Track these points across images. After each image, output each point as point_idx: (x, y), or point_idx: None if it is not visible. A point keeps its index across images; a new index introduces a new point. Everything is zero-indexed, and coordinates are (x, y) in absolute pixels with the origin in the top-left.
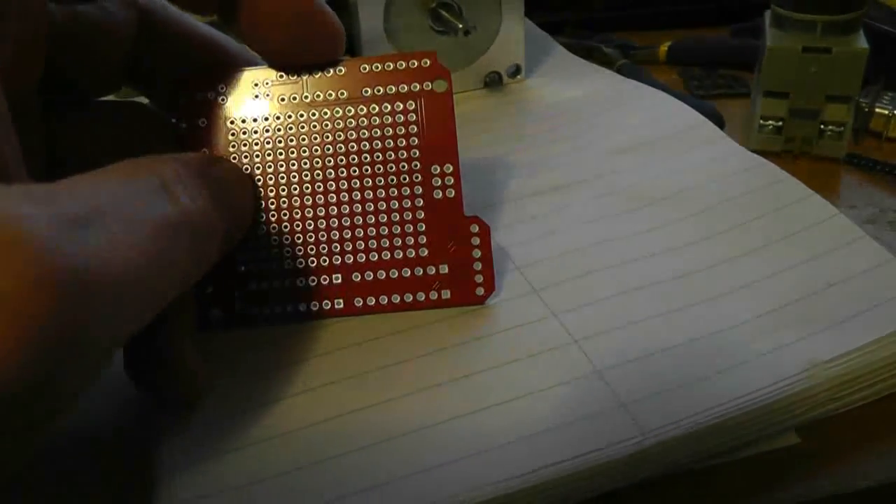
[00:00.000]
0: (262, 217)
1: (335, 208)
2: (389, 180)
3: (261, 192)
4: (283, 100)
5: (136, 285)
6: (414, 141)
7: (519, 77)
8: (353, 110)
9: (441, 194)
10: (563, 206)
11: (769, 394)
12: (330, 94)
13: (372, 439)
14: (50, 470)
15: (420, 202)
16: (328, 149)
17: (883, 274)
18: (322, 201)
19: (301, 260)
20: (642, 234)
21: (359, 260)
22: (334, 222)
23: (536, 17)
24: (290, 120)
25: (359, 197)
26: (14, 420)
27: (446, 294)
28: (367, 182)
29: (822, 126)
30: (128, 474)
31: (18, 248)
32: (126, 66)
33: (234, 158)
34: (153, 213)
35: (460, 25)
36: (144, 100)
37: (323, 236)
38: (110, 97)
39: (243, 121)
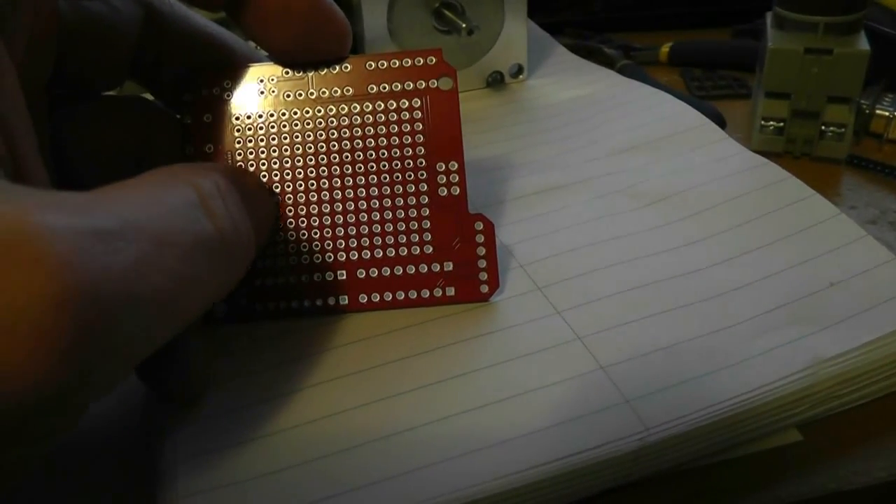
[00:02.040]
0: None
1: (340, 205)
2: (395, 177)
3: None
4: (288, 97)
5: (162, 306)
6: (419, 138)
7: (521, 77)
8: (358, 107)
9: (446, 192)
10: (566, 205)
11: (771, 391)
12: (335, 92)
13: (376, 435)
14: (52, 466)
15: (425, 199)
16: (333, 146)
17: (884, 273)
18: (327, 198)
19: (306, 256)
20: (645, 233)
21: (363, 257)
22: (339, 219)
23: (538, 17)
24: (295, 117)
25: (364, 194)
26: (28, 431)
27: (451, 291)
28: (373, 179)
29: (823, 127)
30: (129, 470)
31: (41, 262)
32: (131, 61)
33: (240, 155)
34: (187, 231)
35: (463, 25)
36: (149, 95)
37: (328, 233)
38: (114, 92)
39: (248, 117)
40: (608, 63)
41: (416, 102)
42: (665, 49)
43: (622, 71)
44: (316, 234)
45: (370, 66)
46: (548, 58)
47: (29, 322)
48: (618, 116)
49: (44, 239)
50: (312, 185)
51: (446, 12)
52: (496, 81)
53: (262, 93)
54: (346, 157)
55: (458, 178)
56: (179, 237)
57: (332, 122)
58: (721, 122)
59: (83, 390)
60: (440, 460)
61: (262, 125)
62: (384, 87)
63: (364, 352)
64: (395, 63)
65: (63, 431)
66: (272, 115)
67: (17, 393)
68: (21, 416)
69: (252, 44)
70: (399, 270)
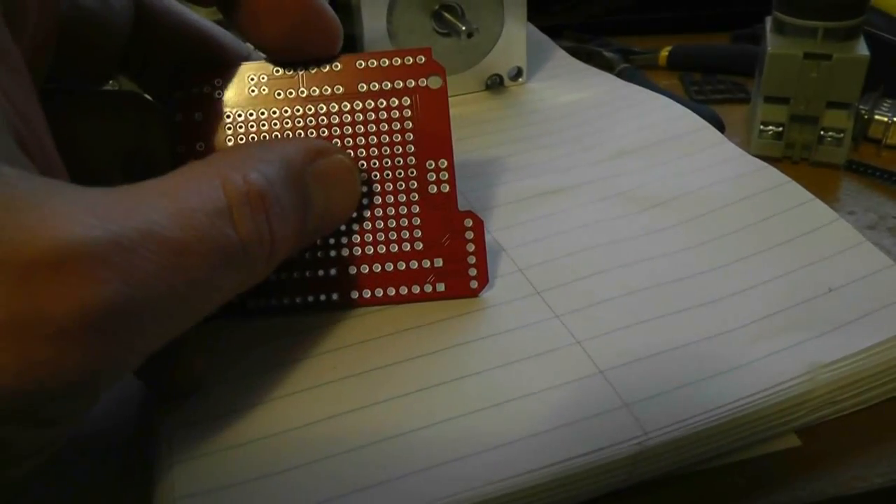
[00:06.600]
0: None
1: None
2: (385, 175)
3: None
4: (279, 95)
5: (174, 308)
6: (409, 136)
7: (520, 80)
8: (348, 106)
9: (436, 189)
10: (564, 209)
11: (770, 396)
12: (326, 90)
13: (374, 438)
14: (49, 468)
15: (415, 196)
16: None
17: (883, 279)
18: None
19: (297, 253)
20: (644, 237)
21: (354, 253)
22: None
23: (538, 20)
24: (286, 115)
25: None
26: (48, 413)
27: (441, 287)
28: (363, 176)
29: (821, 132)
30: (126, 472)
31: (74, 269)
32: (122, 57)
33: None
34: (210, 239)
35: (463, 28)
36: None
37: None
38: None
39: (239, 115)
40: (607, 66)
41: (406, 101)
42: (664, 53)
43: (621, 74)
44: None
45: (360, 64)
46: (547, 61)
47: (56, 327)
48: (617, 120)
49: (71, 249)
50: None
51: (446, 15)
52: (495, 84)
53: (252, 91)
54: None
55: (447, 176)
56: (201, 246)
57: (322, 120)
58: (720, 127)
59: (90, 390)
60: (438, 464)
61: (252, 123)
62: (374, 86)
63: (363, 354)
64: (384, 62)
65: (79, 414)
66: (263, 114)
67: (32, 382)
68: (35, 400)
69: (249, 46)
70: (390, 266)
